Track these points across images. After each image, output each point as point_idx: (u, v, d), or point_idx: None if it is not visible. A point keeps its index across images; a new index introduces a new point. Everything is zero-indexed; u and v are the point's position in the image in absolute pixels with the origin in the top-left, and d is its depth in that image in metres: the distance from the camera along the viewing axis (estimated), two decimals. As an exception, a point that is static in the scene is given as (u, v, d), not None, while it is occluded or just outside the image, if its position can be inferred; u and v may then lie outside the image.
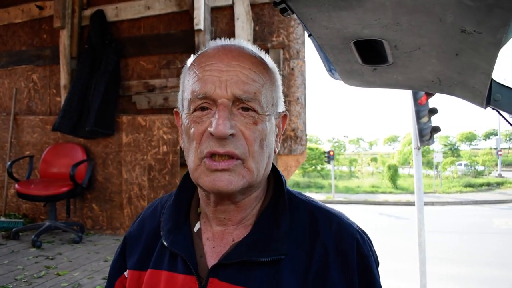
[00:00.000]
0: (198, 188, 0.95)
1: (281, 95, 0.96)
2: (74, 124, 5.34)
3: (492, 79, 1.51)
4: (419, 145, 6.47)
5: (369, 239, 0.95)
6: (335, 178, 28.71)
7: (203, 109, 0.85)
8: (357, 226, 0.95)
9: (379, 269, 0.95)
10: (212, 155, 0.83)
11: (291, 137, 4.59)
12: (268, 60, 0.95)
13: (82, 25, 5.88)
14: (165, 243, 0.92)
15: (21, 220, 5.72)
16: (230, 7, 4.98)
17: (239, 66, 0.85)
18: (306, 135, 4.55)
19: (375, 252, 0.95)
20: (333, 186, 25.93)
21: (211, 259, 0.89)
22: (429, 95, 5.95)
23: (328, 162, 27.36)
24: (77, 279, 3.81)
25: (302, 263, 0.86)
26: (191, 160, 0.86)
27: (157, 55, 5.57)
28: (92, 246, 4.92)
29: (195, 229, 0.95)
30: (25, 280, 3.73)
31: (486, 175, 33.78)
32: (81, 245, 4.96)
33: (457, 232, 13.78)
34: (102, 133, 5.37)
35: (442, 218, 16.85)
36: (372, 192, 27.17)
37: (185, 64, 0.95)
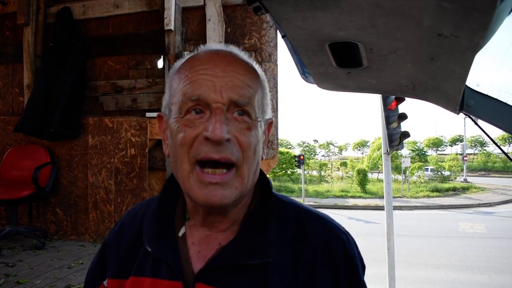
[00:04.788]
0: (186, 197, 0.93)
1: (269, 102, 0.95)
2: (38, 125, 5.14)
3: (465, 85, 1.50)
4: (388, 150, 6.55)
5: (354, 241, 0.96)
6: (305, 182, 28.92)
7: (196, 112, 0.83)
8: (343, 228, 0.96)
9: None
10: (203, 165, 0.82)
11: (262, 141, 4.53)
12: (257, 67, 0.94)
13: (47, 23, 5.67)
14: (149, 249, 0.90)
15: (-20, 225, 5.47)
16: (202, 8, 4.90)
17: (234, 72, 0.85)
18: (277, 139, 4.51)
19: (360, 254, 0.96)
20: (303, 190, 26.13)
21: (197, 264, 0.87)
22: (399, 100, 6.03)
23: (299, 167, 27.54)
24: (39, 287, 3.65)
25: (290, 265, 0.86)
26: (181, 167, 0.84)
27: (126, 55, 5.43)
28: (55, 253, 4.73)
29: (180, 234, 0.93)
30: (-19, 288, 3.56)
31: (452, 180, 34.70)
32: (43, 252, 4.76)
33: (424, 236, 14.06)
34: (67, 134, 5.19)
35: (410, 222, 17.17)
36: (341, 197, 27.50)
37: (172, 68, 0.94)
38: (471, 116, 1.73)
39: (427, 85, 1.54)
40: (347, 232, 0.96)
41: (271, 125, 0.98)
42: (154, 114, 4.92)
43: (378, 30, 1.24)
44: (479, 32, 1.05)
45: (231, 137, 0.81)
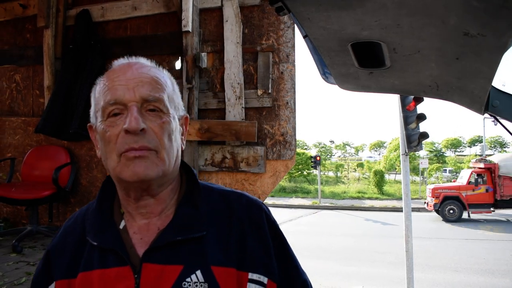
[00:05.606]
0: (118, 188, 1.06)
1: (180, 101, 1.12)
2: (58, 126, 5.21)
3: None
4: (407, 151, 6.48)
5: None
6: (322, 183, 28.77)
7: (115, 115, 0.98)
8: (260, 200, 1.16)
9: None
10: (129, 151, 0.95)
11: (280, 142, 4.52)
12: (165, 71, 1.12)
13: (67, 25, 5.73)
14: (95, 243, 1.01)
15: (2, 224, 5.55)
16: (219, 9, 4.90)
17: (144, 74, 1.02)
18: (295, 140, 4.49)
19: None
20: (319, 191, 25.97)
21: (141, 248, 0.99)
22: (418, 101, 5.96)
23: (315, 167, 27.40)
24: (58, 286, 3.69)
25: (222, 235, 1.02)
26: (111, 159, 0.98)
27: (144, 57, 5.45)
28: (75, 252, 4.78)
29: (121, 226, 1.05)
30: (4, 286, 3.61)
31: (471, 181, 34.12)
32: (63, 251, 4.82)
33: (443, 238, 13.86)
34: (87, 135, 5.21)
35: (428, 224, 16.97)
36: (358, 198, 27.29)
37: (96, 83, 1.09)
38: (496, 116, 1.70)
39: (452, 85, 1.51)
40: (265, 204, 1.15)
41: (187, 120, 1.15)
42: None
43: (403, 30, 1.22)
44: (508, 31, 1.02)
45: (147, 127, 0.96)
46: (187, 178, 1.13)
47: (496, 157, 20.22)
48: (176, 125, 1.04)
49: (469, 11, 1.05)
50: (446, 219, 17.91)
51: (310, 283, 1.16)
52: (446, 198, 18.17)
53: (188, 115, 1.15)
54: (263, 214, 1.09)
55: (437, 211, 18.52)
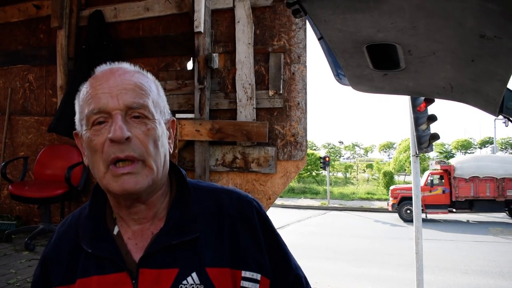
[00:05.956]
0: (109, 195, 1.05)
1: (166, 104, 1.10)
2: (70, 125, 5.22)
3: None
4: (417, 152, 6.44)
5: (262, 206, 1.16)
6: (331, 184, 28.68)
7: (100, 123, 0.96)
8: (252, 196, 1.16)
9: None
10: (116, 162, 0.95)
11: (291, 142, 4.53)
12: (149, 75, 1.09)
13: (80, 26, 5.79)
14: (90, 250, 1.01)
15: (14, 222, 5.62)
16: (231, 10, 4.92)
17: (126, 81, 0.99)
18: (306, 141, 4.49)
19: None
20: (328, 192, 25.88)
21: (137, 254, 1.00)
22: (429, 102, 5.92)
23: (324, 168, 27.31)
24: (71, 284, 3.72)
25: (215, 234, 1.03)
26: (98, 169, 0.97)
27: (156, 57, 5.48)
28: (86, 250, 4.82)
29: (115, 232, 1.05)
30: (17, 284, 3.65)
31: (481, 183, 33.78)
32: (75, 249, 4.86)
33: (452, 240, 13.76)
34: (99, 135, 5.27)
35: (438, 226, 16.85)
36: (367, 199, 27.14)
37: (79, 90, 1.07)
38: (510, 118, 1.69)
39: (466, 87, 1.51)
40: (256, 199, 1.15)
41: (174, 123, 1.13)
42: (184, 115, 4.97)
43: (418, 32, 1.23)
44: (525, 33, 1.03)
45: (132, 136, 0.94)
46: (176, 180, 1.12)
47: (454, 160, 20.62)
48: (162, 130, 1.03)
49: (486, 14, 1.05)
50: (404, 219, 18.09)
51: (305, 277, 1.16)
52: (404, 199, 18.33)
53: (174, 119, 1.14)
54: (253, 210, 1.09)
55: (396, 211, 18.86)
